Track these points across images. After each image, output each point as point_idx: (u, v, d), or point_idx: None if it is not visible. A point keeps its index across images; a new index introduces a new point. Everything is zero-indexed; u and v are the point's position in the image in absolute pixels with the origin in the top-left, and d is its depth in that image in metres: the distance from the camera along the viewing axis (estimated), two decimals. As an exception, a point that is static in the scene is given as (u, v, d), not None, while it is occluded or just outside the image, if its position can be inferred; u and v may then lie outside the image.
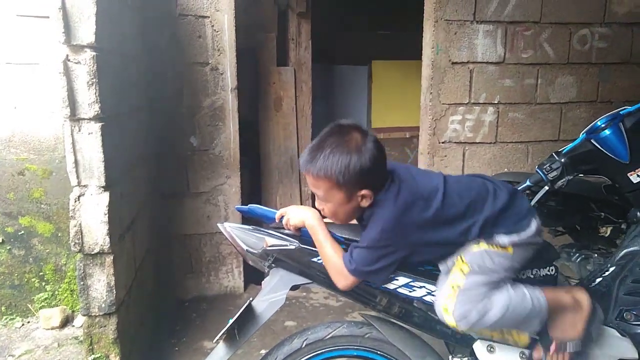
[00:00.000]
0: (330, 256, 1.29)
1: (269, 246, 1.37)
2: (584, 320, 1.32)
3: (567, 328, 1.32)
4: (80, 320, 2.67)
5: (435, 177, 1.31)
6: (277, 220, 1.42)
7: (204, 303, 3.01)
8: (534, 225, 1.29)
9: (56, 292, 2.78)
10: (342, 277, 1.28)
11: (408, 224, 1.23)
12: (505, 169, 3.25)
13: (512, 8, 3.05)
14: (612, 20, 3.19)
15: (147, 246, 2.72)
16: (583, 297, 1.34)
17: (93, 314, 1.94)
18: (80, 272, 1.90)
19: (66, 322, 2.68)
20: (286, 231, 1.41)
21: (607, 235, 2.02)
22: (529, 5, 3.06)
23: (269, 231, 1.41)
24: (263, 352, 2.42)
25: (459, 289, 1.24)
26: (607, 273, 1.47)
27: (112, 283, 1.93)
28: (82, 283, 1.92)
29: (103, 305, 1.93)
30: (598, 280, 1.47)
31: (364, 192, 1.24)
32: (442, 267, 1.33)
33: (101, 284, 1.92)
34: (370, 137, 1.24)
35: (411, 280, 1.33)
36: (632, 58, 3.26)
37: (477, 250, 1.26)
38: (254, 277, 3.22)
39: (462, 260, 1.27)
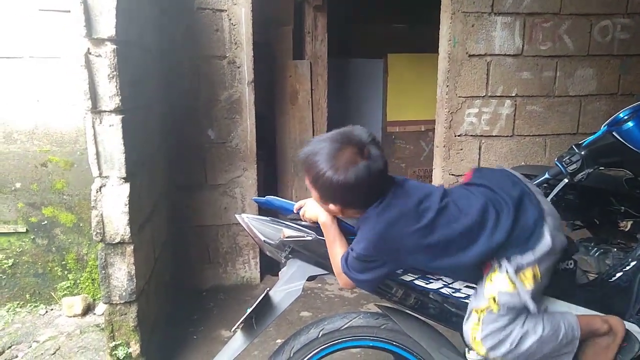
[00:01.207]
0: (336, 255, 1.32)
1: (286, 237, 1.39)
2: (616, 348, 1.30)
3: (598, 356, 1.29)
4: (101, 308, 2.74)
5: (433, 194, 1.26)
6: (295, 211, 1.43)
7: (221, 293, 3.06)
8: (547, 234, 1.20)
9: (78, 281, 2.85)
10: (341, 278, 1.32)
11: (393, 239, 1.21)
12: (523, 163, 3.21)
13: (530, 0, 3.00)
14: (635, 11, 3.11)
15: (166, 237, 2.77)
16: (618, 326, 1.31)
17: (114, 302, 1.99)
18: (101, 261, 1.95)
19: (87, 309, 2.76)
20: (303, 222, 1.43)
21: (627, 229, 1.99)
22: (548, -4, 3.01)
23: (286, 222, 1.43)
24: (279, 341, 2.46)
25: (489, 325, 1.22)
26: (628, 267, 1.45)
27: (133, 272, 1.97)
28: (103, 272, 1.96)
29: (124, 294, 1.98)
30: (618, 274, 1.45)
31: (331, 206, 1.27)
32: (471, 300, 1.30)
33: (122, 272, 1.97)
34: (364, 161, 1.19)
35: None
36: (655, 49, 3.18)
37: (509, 290, 1.20)
38: (270, 268, 3.26)
39: (494, 300, 1.21)
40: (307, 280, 1.42)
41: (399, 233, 1.20)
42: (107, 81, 1.81)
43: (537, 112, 3.18)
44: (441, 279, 1.33)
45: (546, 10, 3.02)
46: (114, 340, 2.04)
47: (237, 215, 1.51)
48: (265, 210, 1.60)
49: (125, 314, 2.02)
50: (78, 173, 2.76)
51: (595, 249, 1.99)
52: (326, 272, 1.41)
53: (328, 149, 1.21)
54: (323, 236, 1.37)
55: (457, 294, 1.34)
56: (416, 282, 1.34)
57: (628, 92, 3.22)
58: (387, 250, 1.22)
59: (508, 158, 3.21)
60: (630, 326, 1.39)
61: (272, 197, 1.49)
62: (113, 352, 2.04)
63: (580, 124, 3.22)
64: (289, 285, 1.40)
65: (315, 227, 1.39)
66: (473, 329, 1.25)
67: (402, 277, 1.34)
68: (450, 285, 1.33)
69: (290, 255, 1.42)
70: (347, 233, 1.36)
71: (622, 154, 1.61)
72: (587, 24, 3.08)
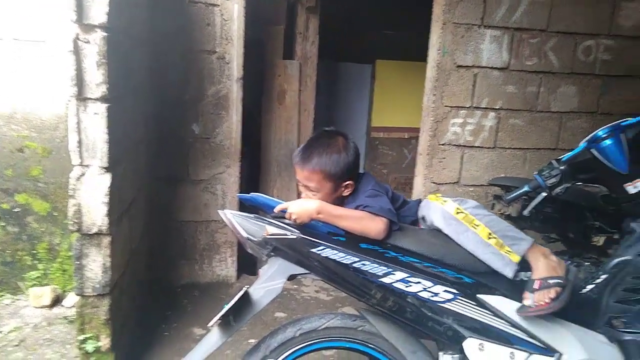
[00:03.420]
0: (359, 215, 1.42)
1: (269, 235, 1.38)
2: (564, 269, 1.45)
3: (547, 269, 1.41)
4: (70, 300, 2.68)
5: None
6: (276, 211, 1.43)
7: (195, 290, 3.02)
8: None
9: (48, 271, 2.78)
10: (375, 224, 1.39)
11: (379, 183, 1.58)
12: (502, 174, 3.27)
13: (520, 15, 3.06)
14: (617, 33, 3.21)
15: (143, 230, 2.72)
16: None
17: (86, 294, 1.95)
18: (76, 252, 1.91)
19: (56, 301, 2.69)
20: (287, 221, 1.42)
21: (600, 244, 2.04)
22: (537, 12, 3.08)
23: (270, 220, 1.42)
24: (252, 341, 2.45)
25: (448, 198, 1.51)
26: (598, 280, 1.49)
27: (108, 264, 1.93)
28: (77, 263, 1.92)
29: (97, 286, 1.94)
30: (590, 287, 1.49)
31: (347, 182, 1.53)
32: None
33: (97, 264, 1.93)
34: (351, 140, 1.57)
35: (408, 275, 1.35)
36: (635, 71, 3.28)
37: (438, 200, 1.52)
38: (247, 267, 3.24)
39: (438, 196, 1.53)
40: (288, 279, 1.41)
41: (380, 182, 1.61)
42: (95, 68, 1.78)
43: (519, 125, 3.24)
44: (420, 282, 1.35)
45: (534, 27, 3.09)
46: (83, 334, 1.99)
47: (219, 211, 1.50)
48: (246, 207, 1.60)
49: (98, 306, 1.97)
50: (56, 160, 2.70)
51: (569, 262, 2.03)
52: (307, 271, 1.41)
53: (327, 145, 1.51)
54: (307, 235, 1.37)
55: (435, 298, 1.35)
56: (395, 284, 1.35)
57: (607, 112, 3.31)
58: (380, 188, 1.55)
59: (489, 169, 3.26)
60: (598, 337, 1.43)
61: (256, 194, 1.49)
62: (82, 346, 1.98)
63: (560, 140, 3.30)
64: (269, 283, 1.39)
65: (300, 225, 1.39)
66: (440, 205, 1.46)
67: (382, 280, 1.35)
68: (429, 289, 1.34)
69: (272, 253, 1.42)
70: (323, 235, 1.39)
71: (600, 171, 1.65)
72: (572, 43, 3.16)
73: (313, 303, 2.97)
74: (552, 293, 1.36)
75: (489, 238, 1.40)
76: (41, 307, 2.62)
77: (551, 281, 1.37)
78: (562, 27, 3.13)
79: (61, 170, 2.67)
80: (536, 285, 1.37)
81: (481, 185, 3.27)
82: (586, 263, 2.02)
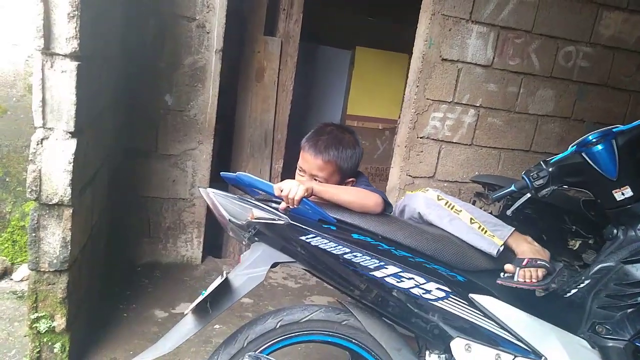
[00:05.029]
0: (356, 189, 1.48)
1: (255, 218, 1.29)
2: (547, 255, 1.51)
3: (532, 252, 1.48)
4: (20, 273, 2.49)
5: None
6: (278, 195, 1.31)
7: (157, 270, 2.87)
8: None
9: (-4, 241, 2.56)
10: (374, 196, 1.42)
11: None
12: (477, 172, 3.28)
13: (507, 13, 3.05)
14: (597, 42, 3.26)
15: (105, 204, 2.55)
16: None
17: (42, 270, 1.78)
18: (33, 223, 1.74)
19: (4, 274, 2.49)
20: (274, 205, 1.33)
21: (575, 248, 2.06)
22: (523, 13, 3.07)
23: (256, 203, 1.33)
24: (217, 327, 2.35)
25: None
26: (582, 285, 1.48)
27: (68, 238, 1.78)
28: (34, 235, 1.75)
29: (55, 261, 1.78)
30: (573, 291, 1.49)
31: (351, 179, 1.59)
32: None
33: (55, 238, 1.77)
34: (358, 138, 1.64)
35: (401, 270, 1.29)
36: (609, 81, 3.36)
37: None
38: (212, 249, 3.12)
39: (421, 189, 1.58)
40: (271, 267, 1.33)
41: None
42: (66, 21, 1.59)
43: (497, 125, 3.25)
44: (413, 278, 1.29)
45: (520, 27, 3.09)
46: (36, 312, 1.82)
47: (201, 189, 1.39)
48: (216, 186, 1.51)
49: (54, 283, 1.81)
50: (11, 121, 2.47)
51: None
52: (292, 259, 1.32)
53: (341, 138, 1.56)
54: (295, 221, 1.28)
55: (427, 296, 1.30)
56: (387, 279, 1.29)
57: (580, 118, 3.38)
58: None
59: (464, 166, 3.26)
60: (581, 342, 1.43)
61: (243, 173, 1.38)
62: (34, 325, 1.82)
63: (534, 142, 3.34)
64: (251, 270, 1.30)
65: (288, 211, 1.30)
66: (422, 192, 1.53)
67: (373, 273, 1.28)
68: (422, 286, 1.29)
69: (255, 238, 1.33)
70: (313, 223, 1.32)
71: (588, 175, 1.64)
72: (554, 47, 3.19)
73: (280, 290, 2.89)
74: (539, 273, 1.39)
75: (472, 223, 1.46)
76: (-14, 280, 2.42)
77: (539, 262, 1.40)
78: (546, 29, 3.14)
79: (17, 133, 2.46)
80: (524, 262, 1.40)
81: (455, 181, 3.28)
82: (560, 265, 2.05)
